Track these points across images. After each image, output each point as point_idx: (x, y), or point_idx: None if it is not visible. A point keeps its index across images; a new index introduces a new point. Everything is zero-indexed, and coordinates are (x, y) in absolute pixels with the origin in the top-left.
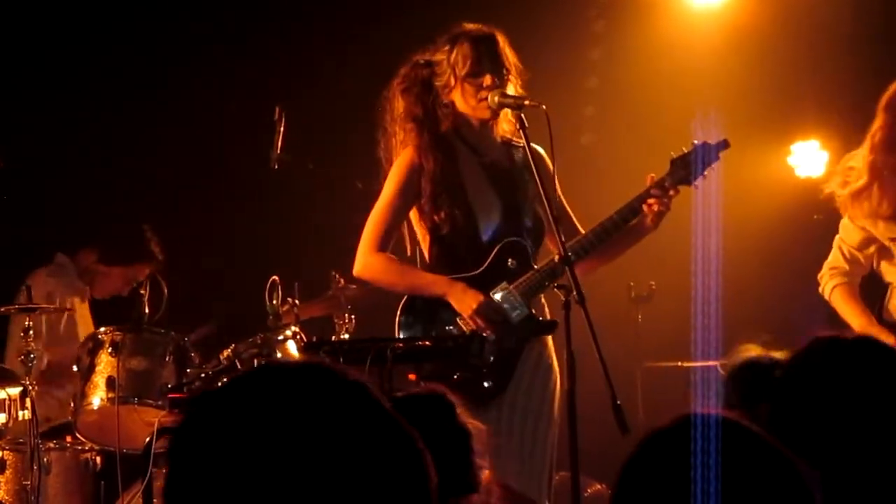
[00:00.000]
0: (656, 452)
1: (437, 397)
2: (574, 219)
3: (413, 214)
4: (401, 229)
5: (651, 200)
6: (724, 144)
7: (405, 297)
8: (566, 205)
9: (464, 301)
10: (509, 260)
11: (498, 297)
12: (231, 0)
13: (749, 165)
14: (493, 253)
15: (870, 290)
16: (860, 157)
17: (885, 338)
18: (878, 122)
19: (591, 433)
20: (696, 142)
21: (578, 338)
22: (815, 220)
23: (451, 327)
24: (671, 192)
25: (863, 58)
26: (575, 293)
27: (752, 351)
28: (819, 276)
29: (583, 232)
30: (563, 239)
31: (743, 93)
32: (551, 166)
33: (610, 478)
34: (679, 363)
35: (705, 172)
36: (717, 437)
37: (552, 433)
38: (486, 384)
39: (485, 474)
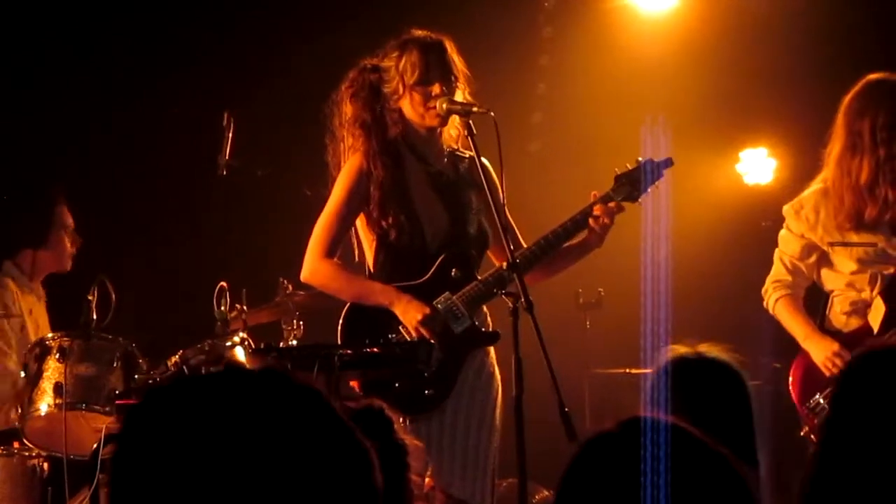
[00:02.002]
0: (599, 455)
1: (374, 412)
2: (517, 232)
3: (360, 220)
4: (349, 235)
5: (596, 213)
6: (669, 162)
7: (348, 304)
8: (509, 217)
9: (409, 312)
10: (453, 270)
11: (441, 307)
12: (178, 4)
13: (697, 172)
14: (438, 262)
15: (811, 302)
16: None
17: (829, 344)
18: (832, 139)
19: (538, 440)
20: (640, 159)
21: (526, 344)
22: (763, 226)
23: (393, 335)
24: (615, 209)
25: (811, 65)
26: (523, 300)
27: (680, 349)
28: (763, 290)
29: (525, 246)
30: (511, 247)
31: (691, 100)
32: (496, 177)
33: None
34: (627, 370)
35: (649, 189)
36: (667, 441)
37: (494, 440)
38: (427, 392)
39: (427, 483)
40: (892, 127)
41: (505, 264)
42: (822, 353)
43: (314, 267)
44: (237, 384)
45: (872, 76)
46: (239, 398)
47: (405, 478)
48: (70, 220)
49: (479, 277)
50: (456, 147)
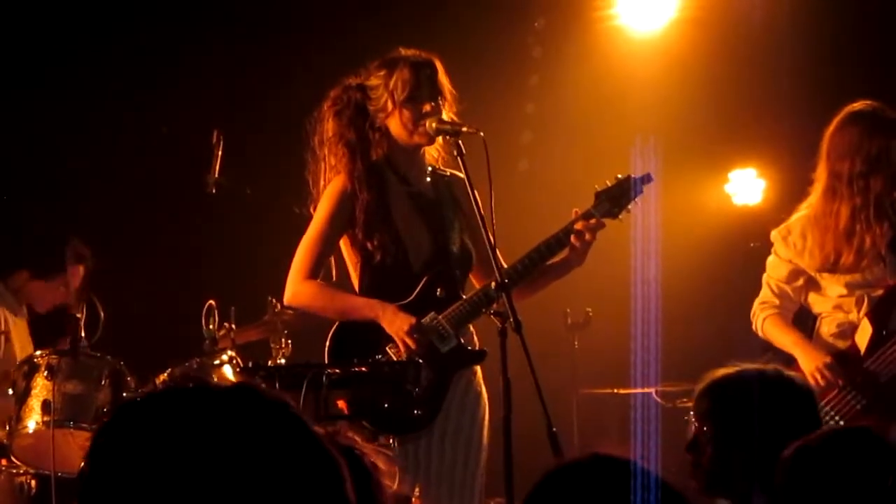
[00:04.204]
0: (557, 487)
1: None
2: (497, 251)
3: (344, 242)
4: (331, 257)
5: (578, 229)
6: (648, 178)
7: (335, 324)
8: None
9: (395, 323)
10: (438, 289)
11: (427, 327)
12: (167, 23)
13: (687, 193)
14: (423, 283)
15: (800, 327)
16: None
17: (821, 356)
18: (817, 170)
19: (526, 459)
20: (620, 175)
21: (514, 364)
22: (752, 247)
23: (381, 356)
24: (596, 226)
25: (800, 86)
26: (511, 320)
27: (728, 369)
28: (751, 314)
29: (505, 265)
30: (499, 266)
31: (681, 120)
32: (478, 196)
33: None
34: (615, 390)
35: (629, 206)
36: (630, 478)
37: (481, 460)
38: (416, 412)
39: (414, 502)
40: (868, 175)
41: (493, 283)
42: (812, 362)
43: (296, 289)
44: (208, 399)
45: (855, 108)
46: (209, 413)
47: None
48: (77, 284)
49: (465, 296)
50: (436, 165)
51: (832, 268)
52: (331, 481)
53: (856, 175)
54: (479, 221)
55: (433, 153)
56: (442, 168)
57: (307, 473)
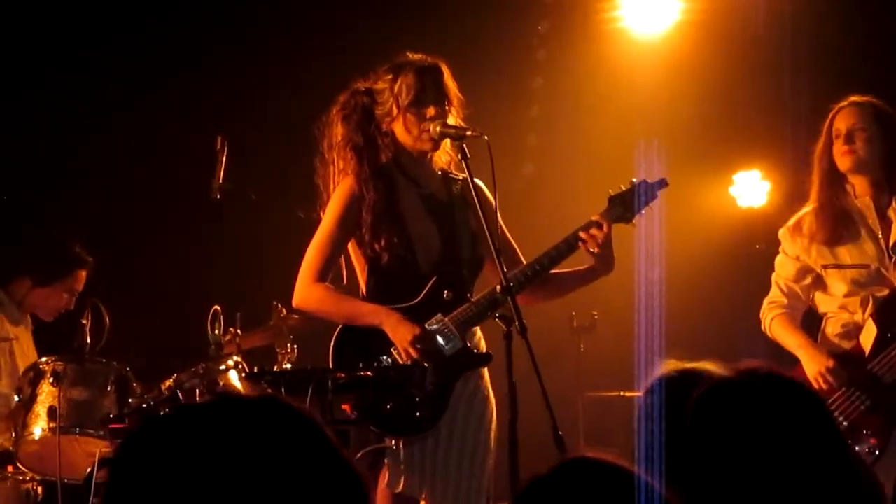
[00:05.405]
0: (535, 497)
1: None
2: (517, 250)
3: (352, 245)
4: (339, 259)
5: (593, 232)
6: (663, 183)
7: (339, 328)
8: (509, 236)
9: (398, 332)
10: (445, 292)
11: (433, 329)
12: (171, 28)
13: (691, 195)
14: (430, 284)
15: (807, 329)
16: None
17: (824, 359)
18: (817, 147)
19: (532, 463)
20: (635, 180)
21: (520, 368)
22: (756, 249)
23: (385, 357)
24: (608, 230)
25: (804, 87)
26: (517, 323)
27: (672, 365)
28: (760, 314)
29: (524, 263)
30: (504, 270)
31: (685, 122)
32: (492, 198)
33: None
34: (621, 393)
35: (643, 210)
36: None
37: (488, 463)
38: (419, 414)
39: None
40: (820, 147)
41: (498, 287)
42: (815, 365)
43: (305, 292)
44: (234, 414)
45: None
46: (236, 428)
47: None
48: (80, 288)
49: (472, 299)
50: (448, 169)
51: (837, 241)
52: (354, 500)
53: (817, 151)
54: (484, 224)
55: (444, 158)
56: (454, 172)
57: (331, 492)
